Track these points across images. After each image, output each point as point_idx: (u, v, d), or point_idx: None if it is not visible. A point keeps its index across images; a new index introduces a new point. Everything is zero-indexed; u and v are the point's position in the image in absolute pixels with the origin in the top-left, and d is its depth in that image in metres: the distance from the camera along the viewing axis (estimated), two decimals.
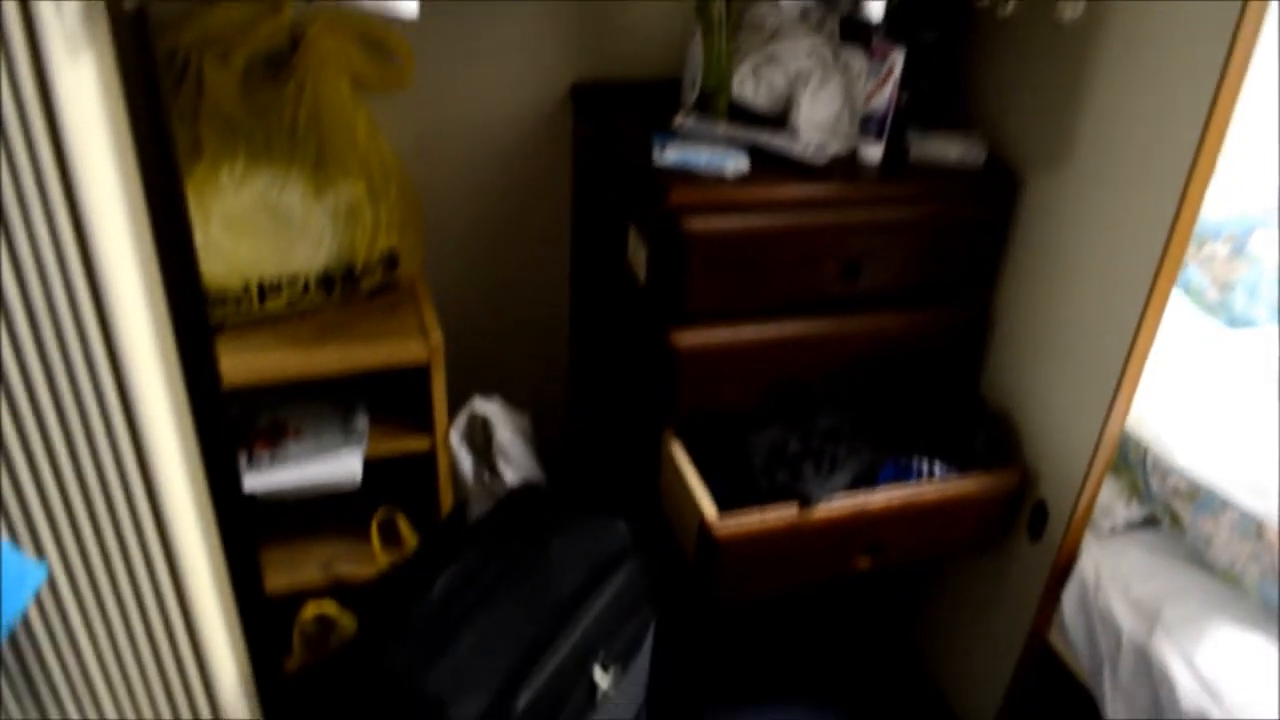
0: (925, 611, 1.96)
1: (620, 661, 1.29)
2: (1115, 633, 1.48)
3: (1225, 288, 1.77)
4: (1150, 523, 1.62)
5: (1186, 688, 1.39)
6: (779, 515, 1.40)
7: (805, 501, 1.40)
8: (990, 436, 1.55)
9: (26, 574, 0.92)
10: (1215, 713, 1.35)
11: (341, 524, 1.64)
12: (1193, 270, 1.80)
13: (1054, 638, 1.65)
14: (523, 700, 1.18)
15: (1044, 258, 1.49)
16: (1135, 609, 1.48)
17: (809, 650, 2.01)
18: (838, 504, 1.43)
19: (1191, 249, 1.64)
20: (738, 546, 1.39)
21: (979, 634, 1.77)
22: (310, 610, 1.48)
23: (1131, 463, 1.58)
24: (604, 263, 1.64)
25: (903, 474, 1.50)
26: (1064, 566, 1.55)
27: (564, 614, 1.27)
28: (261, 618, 1.27)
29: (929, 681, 1.94)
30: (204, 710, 1.20)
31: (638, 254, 1.44)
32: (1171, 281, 1.31)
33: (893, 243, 1.45)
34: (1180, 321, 1.66)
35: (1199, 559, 1.53)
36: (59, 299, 0.88)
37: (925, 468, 1.50)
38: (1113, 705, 1.49)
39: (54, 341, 0.89)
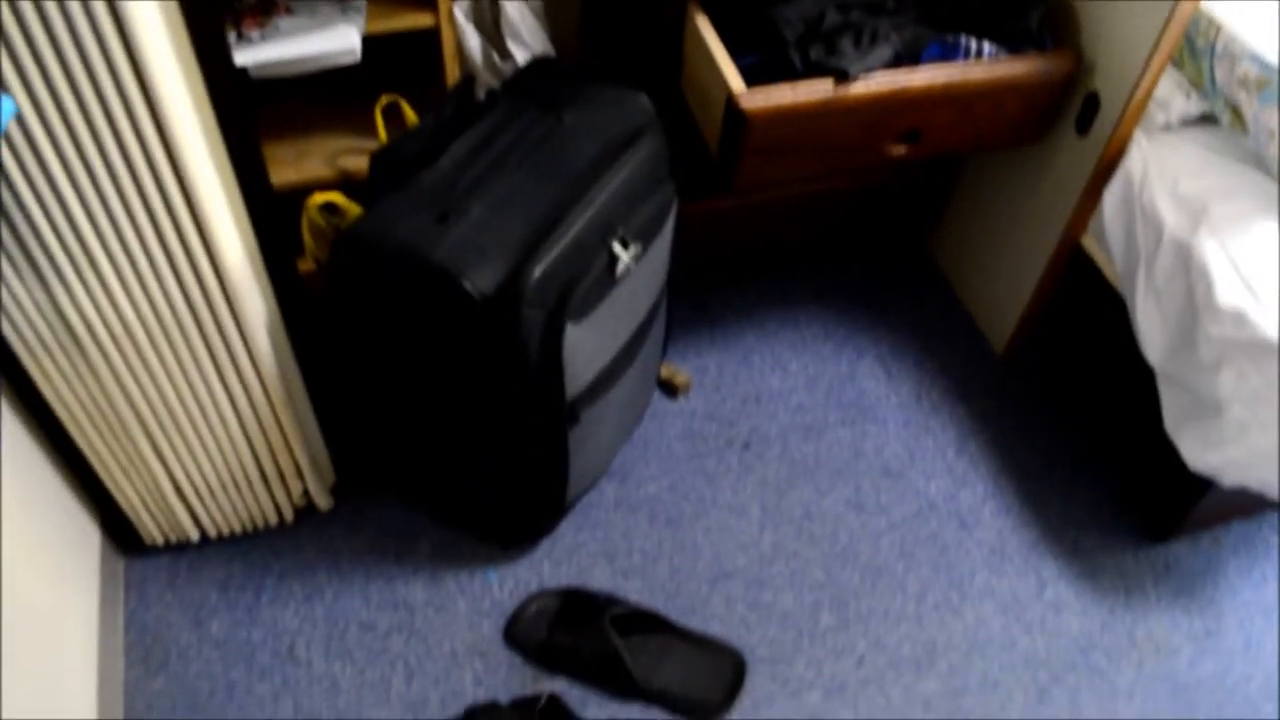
0: (948, 224, 1.90)
1: (641, 239, 1.24)
2: (1157, 229, 1.42)
3: None
4: (1207, 120, 1.51)
5: (1226, 283, 1.34)
6: (812, 91, 1.29)
7: (841, 77, 1.29)
8: (1046, 15, 1.41)
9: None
10: (1253, 309, 1.30)
11: (346, 117, 1.56)
12: None
13: (1086, 242, 1.59)
14: (538, 270, 1.13)
15: None
16: (1181, 205, 1.41)
17: (826, 256, 1.98)
18: (876, 81, 1.32)
19: None
20: (766, 123, 1.29)
21: (1008, 242, 1.72)
22: (317, 198, 1.42)
23: (1198, 51, 1.45)
24: None
25: (949, 53, 1.37)
26: (1110, 162, 1.47)
27: (581, 185, 1.20)
28: (269, 207, 1.22)
29: (948, 291, 1.92)
30: (215, 293, 1.17)
31: None
32: None
33: None
34: None
35: (1256, 157, 1.44)
36: None
37: (974, 47, 1.37)
38: (1144, 306, 1.46)
39: None
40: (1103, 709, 1.50)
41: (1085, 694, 1.52)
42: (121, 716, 1.32)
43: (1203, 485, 1.52)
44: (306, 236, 1.45)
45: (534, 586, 1.47)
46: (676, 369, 1.76)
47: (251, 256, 1.20)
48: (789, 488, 1.66)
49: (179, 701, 1.33)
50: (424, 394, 1.31)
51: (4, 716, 1.02)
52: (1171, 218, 1.40)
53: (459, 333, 1.16)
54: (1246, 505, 1.66)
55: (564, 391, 1.22)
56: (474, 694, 1.36)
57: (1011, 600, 1.59)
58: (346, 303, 1.26)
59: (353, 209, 1.42)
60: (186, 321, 1.18)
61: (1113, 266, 1.53)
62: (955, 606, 1.56)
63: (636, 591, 1.49)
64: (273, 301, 1.25)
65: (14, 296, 1.07)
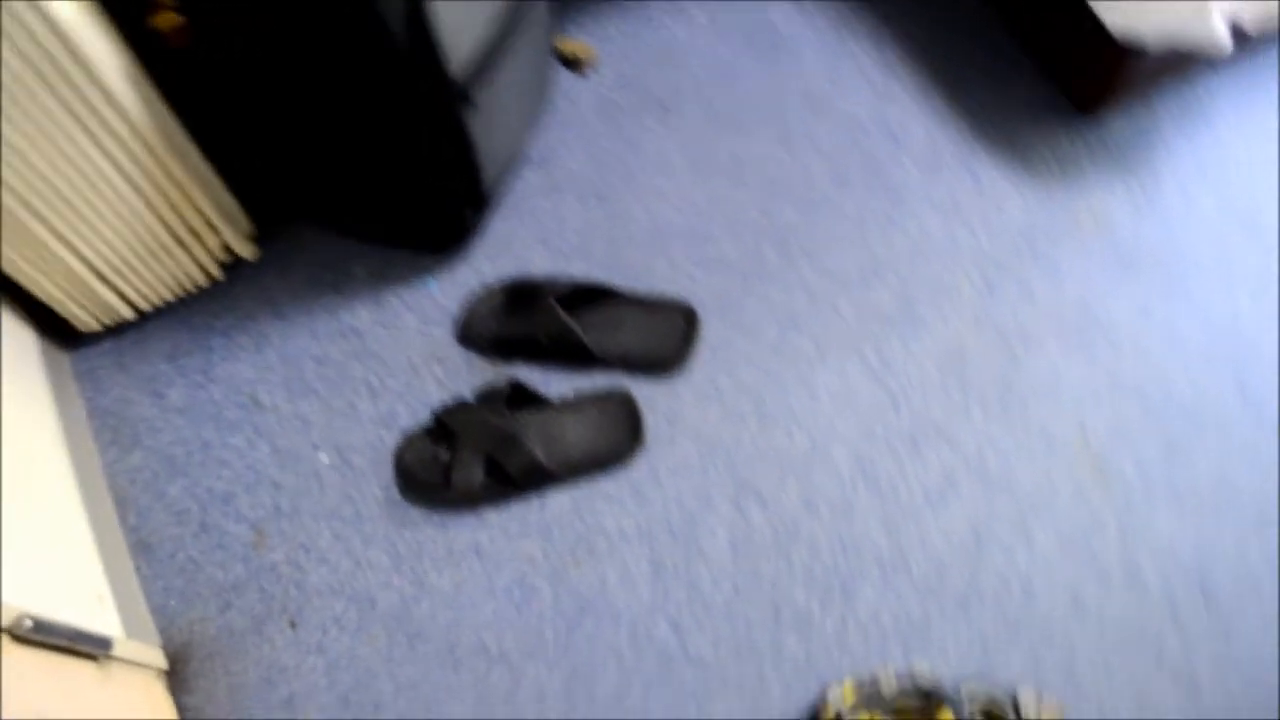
0: None
1: None
2: None
3: None
4: None
5: None
6: None
7: None
8: None
9: None
10: None
11: None
12: None
13: None
14: None
15: None
16: None
17: None
18: None
19: None
20: None
21: None
22: None
23: None
24: None
25: None
26: None
27: None
28: None
29: None
30: (52, 45, 1.07)
31: None
32: None
33: None
34: None
35: None
36: None
37: None
38: None
39: None
40: (1052, 291, 1.53)
41: (1034, 279, 1.55)
42: (109, 497, 1.34)
43: (1128, 52, 1.47)
44: None
45: (476, 286, 1.46)
46: (578, 42, 1.67)
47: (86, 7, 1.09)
48: (714, 138, 1.61)
49: (160, 471, 1.35)
50: (308, 106, 1.24)
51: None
52: None
53: (321, 20, 1.07)
54: (1176, 65, 1.62)
55: (444, 67, 1.14)
56: (439, 397, 1.38)
57: (950, 203, 1.59)
58: (204, 25, 1.17)
59: None
60: (33, 84, 1.09)
61: None
62: (896, 220, 1.57)
63: (579, 270, 1.48)
64: (126, 51, 1.16)
65: None
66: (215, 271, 1.46)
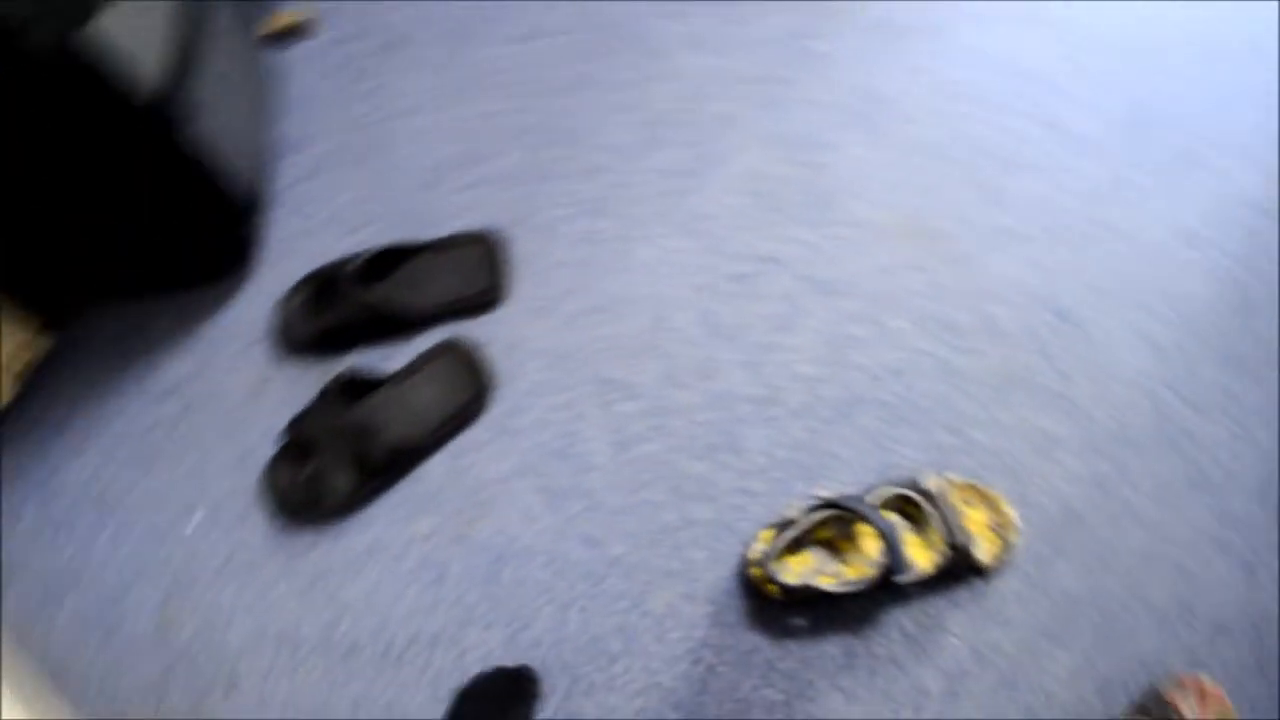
0: None
1: None
2: None
3: None
4: None
5: None
6: None
7: None
8: None
9: None
10: None
11: None
12: None
13: None
14: None
15: None
16: None
17: None
18: None
19: None
20: None
21: None
22: None
23: None
24: None
25: None
26: None
27: None
28: None
29: None
30: None
31: None
32: None
33: None
34: None
35: None
36: None
37: None
38: None
39: None
40: (827, 87, 1.52)
41: (806, 81, 1.53)
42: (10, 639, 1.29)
43: None
44: None
45: (279, 292, 1.41)
46: (289, 13, 1.58)
47: None
48: (458, 54, 1.56)
49: (44, 599, 1.30)
50: (25, 183, 1.16)
51: None
52: None
53: None
54: None
55: (133, 97, 1.07)
56: (285, 414, 1.34)
57: (703, 39, 1.55)
58: None
59: None
60: None
61: None
62: (657, 75, 1.54)
63: (372, 237, 1.43)
64: None
65: None
66: (18, 379, 1.39)
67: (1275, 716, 1.24)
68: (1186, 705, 1.19)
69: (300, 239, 1.44)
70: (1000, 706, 1.20)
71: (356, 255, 1.37)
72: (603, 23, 1.57)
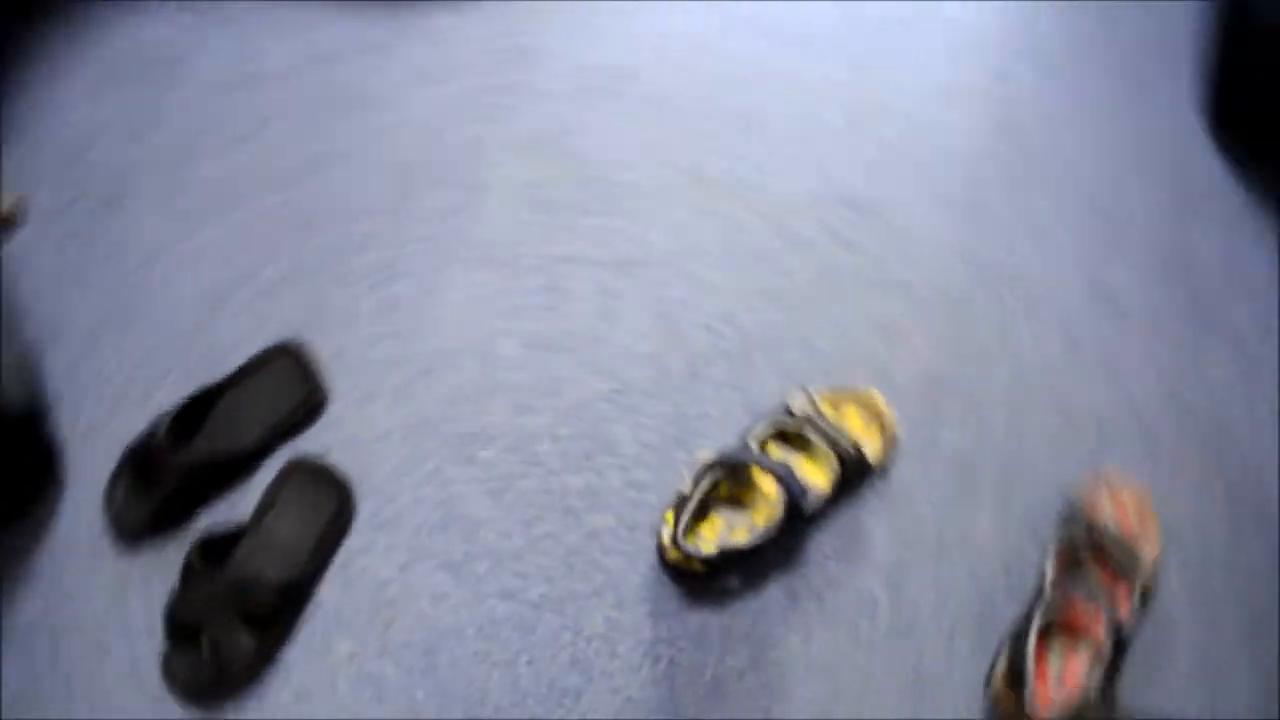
0: None
1: None
2: None
3: None
4: None
5: None
6: None
7: None
8: None
9: None
10: None
11: None
12: None
13: None
14: None
15: None
16: None
17: None
18: None
19: None
20: None
21: None
22: None
23: None
24: None
25: None
26: None
27: None
28: None
29: None
30: None
31: None
32: None
33: None
34: None
35: None
36: None
37: None
38: None
39: None
40: (550, 77, 1.52)
41: (531, 80, 1.53)
42: None
43: None
44: None
45: (99, 489, 1.31)
46: None
47: None
48: (183, 184, 1.49)
49: None
50: None
51: None
52: None
53: None
54: None
55: None
56: (158, 605, 1.25)
57: (418, 75, 1.53)
58: None
59: None
60: None
61: None
62: (390, 128, 1.51)
63: (170, 395, 1.35)
64: None
65: None
66: None
67: (1173, 493, 1.31)
68: (1102, 506, 1.24)
69: (99, 425, 1.35)
70: (945, 581, 1.24)
71: (159, 420, 1.29)
72: (316, 95, 1.52)
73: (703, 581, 1.23)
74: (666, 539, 1.20)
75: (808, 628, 1.21)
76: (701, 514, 1.21)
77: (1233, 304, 1.45)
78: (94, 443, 1.33)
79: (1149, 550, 1.25)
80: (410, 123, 1.51)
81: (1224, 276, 1.48)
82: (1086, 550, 1.22)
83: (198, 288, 1.41)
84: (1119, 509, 1.26)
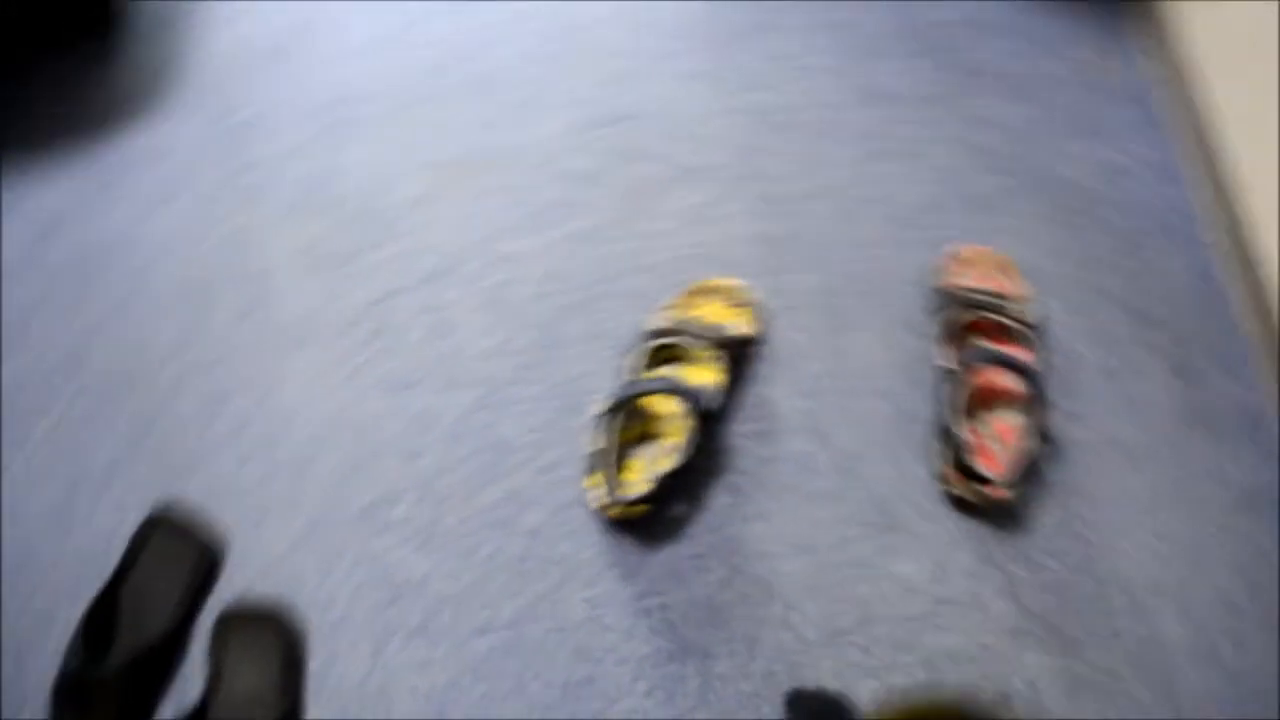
0: None
1: None
2: None
3: None
4: None
5: None
6: None
7: None
8: None
9: None
10: None
11: None
12: None
13: None
14: None
15: None
16: None
17: None
18: None
19: None
20: None
21: None
22: None
23: None
24: None
25: None
26: None
27: None
28: None
29: None
30: None
31: None
32: None
33: None
34: None
35: None
36: None
37: None
38: None
39: None
40: (280, 163, 1.46)
41: (260, 159, 1.47)
42: None
43: None
44: None
45: None
46: None
47: None
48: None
49: None
50: None
51: None
52: None
53: None
54: None
55: None
56: None
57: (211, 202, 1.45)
58: None
59: None
60: None
61: None
62: (142, 264, 1.43)
63: (69, 620, 1.27)
64: None
65: None
66: None
67: (1017, 238, 1.35)
68: (959, 278, 1.28)
69: (11, 681, 1.26)
70: (859, 410, 1.26)
71: (70, 645, 1.21)
72: (62, 264, 1.44)
73: (651, 522, 1.22)
74: (601, 500, 1.19)
75: (763, 511, 1.22)
76: (621, 461, 1.21)
77: (979, 46, 1.50)
78: (15, 697, 1.25)
79: (1018, 292, 1.29)
80: (167, 247, 1.44)
81: (967, 34, 1.53)
82: (966, 322, 1.26)
83: (41, 503, 1.32)
84: (976, 272, 1.30)
